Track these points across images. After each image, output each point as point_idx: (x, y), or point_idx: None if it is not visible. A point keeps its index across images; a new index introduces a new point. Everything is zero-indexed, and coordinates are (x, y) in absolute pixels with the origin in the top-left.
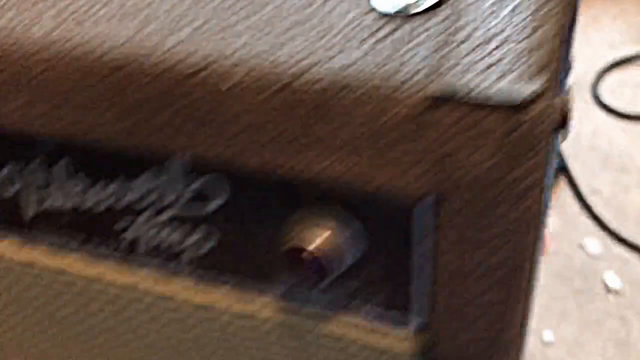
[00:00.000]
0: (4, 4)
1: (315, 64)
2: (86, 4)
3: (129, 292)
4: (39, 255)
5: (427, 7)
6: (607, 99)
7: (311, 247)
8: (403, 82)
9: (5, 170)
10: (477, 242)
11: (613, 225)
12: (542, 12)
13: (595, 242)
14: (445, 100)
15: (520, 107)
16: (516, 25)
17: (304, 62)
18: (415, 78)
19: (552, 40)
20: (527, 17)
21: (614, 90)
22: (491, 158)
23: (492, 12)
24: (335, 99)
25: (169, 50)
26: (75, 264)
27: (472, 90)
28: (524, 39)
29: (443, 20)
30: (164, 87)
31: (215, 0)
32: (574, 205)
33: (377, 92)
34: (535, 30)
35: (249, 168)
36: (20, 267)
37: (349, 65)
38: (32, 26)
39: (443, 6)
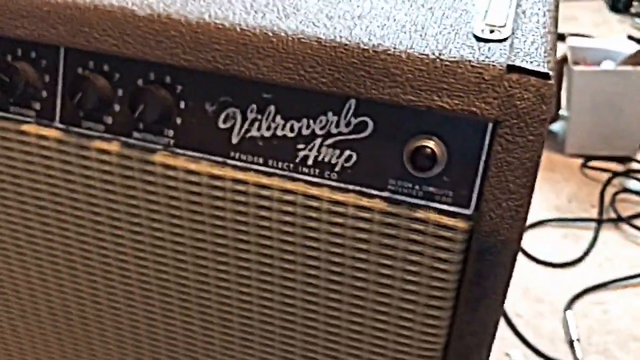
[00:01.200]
0: None
1: (445, 53)
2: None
3: (289, 195)
4: (230, 171)
5: (504, 37)
6: (529, 249)
7: (429, 146)
8: (493, 61)
9: (229, 110)
10: (514, 155)
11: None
12: (552, 31)
13: (518, 352)
14: (513, 68)
15: (546, 76)
16: (545, 42)
17: (436, 52)
18: (499, 60)
19: (555, 45)
20: (549, 37)
21: (533, 243)
22: (532, 99)
23: (533, 35)
24: (455, 70)
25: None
26: (254, 177)
27: (526, 67)
28: (549, 50)
29: (511, 41)
30: (360, 58)
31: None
32: (502, 324)
33: (481, 66)
34: (553, 46)
35: (394, 107)
36: (218, 180)
37: (461, 56)
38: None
39: (510, 37)
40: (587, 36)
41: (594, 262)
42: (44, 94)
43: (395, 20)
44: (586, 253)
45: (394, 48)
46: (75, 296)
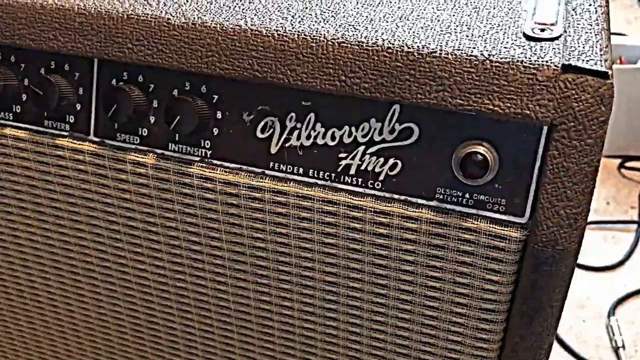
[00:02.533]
0: None
1: (495, 53)
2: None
3: (331, 206)
4: (270, 182)
5: (556, 35)
6: None
7: (480, 152)
8: (547, 61)
9: (268, 119)
10: (571, 160)
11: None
12: (606, 28)
13: None
14: (568, 67)
15: (604, 75)
16: (599, 40)
17: (485, 52)
18: (553, 60)
19: (609, 42)
20: (603, 34)
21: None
22: (590, 100)
23: (586, 33)
24: (506, 72)
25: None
26: (294, 188)
27: (582, 66)
28: (605, 47)
29: (564, 39)
30: (404, 61)
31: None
32: None
33: (534, 66)
34: (609, 43)
35: (441, 112)
36: (258, 191)
37: (516, 55)
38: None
39: (562, 35)
40: (620, 34)
41: (637, 265)
42: (78, 107)
43: (439, 21)
44: (628, 256)
45: (440, 50)
46: (113, 315)
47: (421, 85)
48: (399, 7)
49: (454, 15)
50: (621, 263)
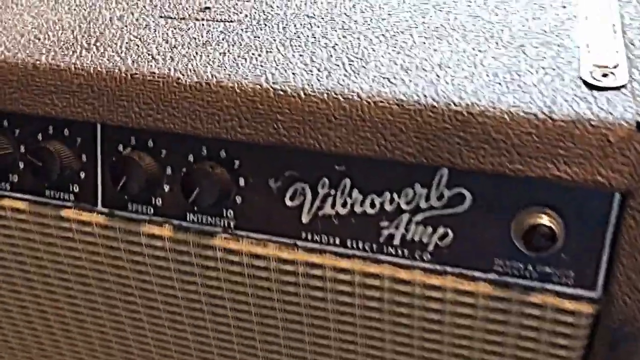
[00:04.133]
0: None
1: (556, 110)
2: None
3: (373, 279)
4: (303, 254)
5: (622, 83)
6: None
7: (546, 223)
8: (618, 117)
9: (297, 185)
10: None
11: None
12: None
13: None
14: None
15: None
16: None
17: (545, 109)
18: (624, 116)
19: None
20: None
21: None
22: None
23: None
24: (571, 132)
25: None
26: (331, 260)
27: None
28: None
29: (631, 87)
30: (453, 123)
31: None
32: None
33: (604, 125)
34: None
35: (497, 176)
36: (288, 265)
37: (579, 111)
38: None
39: (629, 82)
40: None
41: None
42: (82, 175)
43: (483, 66)
44: None
45: (493, 107)
46: None
47: (474, 150)
48: (435, 50)
49: (498, 58)
50: None
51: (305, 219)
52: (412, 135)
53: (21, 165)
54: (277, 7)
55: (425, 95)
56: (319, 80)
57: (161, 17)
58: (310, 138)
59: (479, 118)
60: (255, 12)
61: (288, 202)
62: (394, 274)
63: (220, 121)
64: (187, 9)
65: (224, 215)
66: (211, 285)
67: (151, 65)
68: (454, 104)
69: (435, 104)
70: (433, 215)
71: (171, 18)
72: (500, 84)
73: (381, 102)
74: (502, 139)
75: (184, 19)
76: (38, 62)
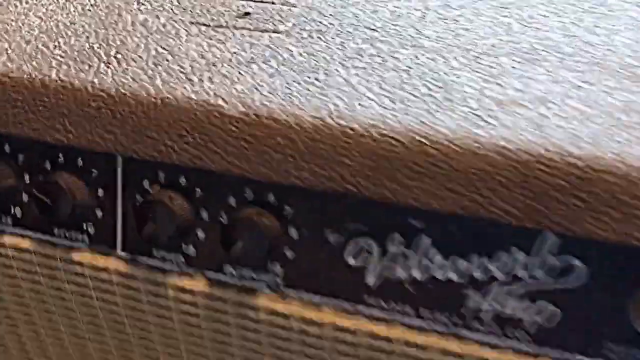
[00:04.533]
0: None
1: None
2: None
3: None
4: (365, 322)
5: None
6: None
7: None
8: None
9: (362, 241)
10: None
11: None
12: None
13: None
14: None
15: None
16: None
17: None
18: None
19: None
20: None
21: None
22: None
23: None
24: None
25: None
26: (401, 333)
27: None
28: None
29: None
30: (569, 179)
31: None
32: None
33: None
34: None
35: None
36: (350, 336)
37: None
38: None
39: None
40: None
41: None
42: (99, 213)
43: (595, 101)
44: None
45: (621, 162)
46: None
47: (594, 213)
48: (530, 78)
49: (611, 92)
50: None
51: (370, 281)
52: (516, 192)
53: (25, 197)
54: (331, 15)
55: (528, 141)
56: (394, 115)
57: (192, 23)
58: (384, 188)
59: (602, 175)
60: (305, 21)
61: (350, 261)
62: (483, 355)
63: (272, 162)
64: (223, 14)
65: (271, 270)
66: (251, 348)
67: (186, 88)
68: (570, 154)
69: (544, 154)
70: (533, 288)
71: (205, 25)
72: (617, 126)
73: (478, 147)
74: (630, 203)
75: (220, 26)
76: (47, 77)
